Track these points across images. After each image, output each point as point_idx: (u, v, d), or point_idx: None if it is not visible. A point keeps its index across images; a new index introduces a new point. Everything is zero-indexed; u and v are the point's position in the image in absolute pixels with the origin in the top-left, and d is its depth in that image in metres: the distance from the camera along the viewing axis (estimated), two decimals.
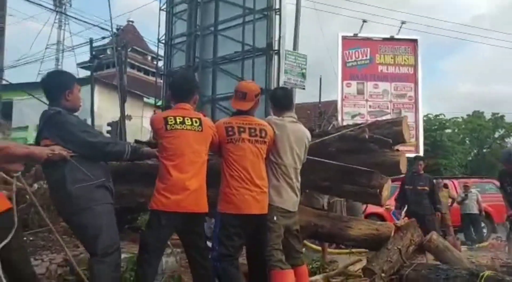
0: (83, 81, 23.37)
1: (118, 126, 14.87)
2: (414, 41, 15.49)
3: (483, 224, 11.78)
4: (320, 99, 19.13)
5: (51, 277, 4.52)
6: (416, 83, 15.63)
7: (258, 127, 3.40)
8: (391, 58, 15.61)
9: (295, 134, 3.60)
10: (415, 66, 15.48)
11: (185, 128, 3.15)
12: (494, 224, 11.91)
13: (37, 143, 3.02)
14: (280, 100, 3.75)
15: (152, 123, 3.25)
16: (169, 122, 3.15)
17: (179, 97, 3.30)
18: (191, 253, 3.27)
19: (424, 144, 16.88)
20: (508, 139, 36.65)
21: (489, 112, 36.63)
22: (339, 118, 14.16)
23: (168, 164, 3.10)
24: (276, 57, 10.55)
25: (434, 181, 11.44)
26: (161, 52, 13.56)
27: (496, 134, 36.52)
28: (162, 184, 3.09)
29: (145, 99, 23.72)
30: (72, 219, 3.00)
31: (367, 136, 5.03)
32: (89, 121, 14.53)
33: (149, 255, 3.08)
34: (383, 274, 4.65)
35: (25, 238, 5.50)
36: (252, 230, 3.34)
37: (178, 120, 3.15)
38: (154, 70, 21.32)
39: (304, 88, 11.21)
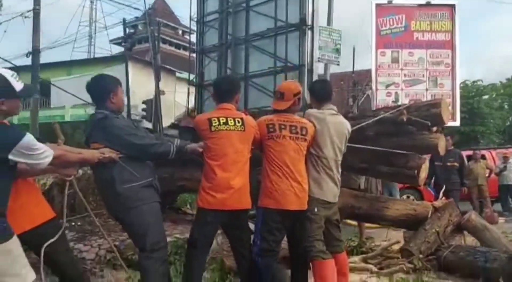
0: (116, 59, 23.72)
1: (152, 104, 15.16)
2: (452, 6, 14.90)
3: None
4: (353, 69, 18.91)
5: (101, 262, 4.75)
6: (453, 50, 15.11)
7: (299, 125, 3.50)
8: (427, 24, 15.12)
9: (335, 127, 3.69)
10: (452, 32, 14.91)
11: (228, 129, 3.29)
12: None
13: (87, 145, 3.22)
14: (320, 93, 3.84)
15: (196, 124, 3.40)
16: (213, 124, 3.29)
17: (222, 98, 3.43)
18: (235, 246, 3.47)
19: (461, 112, 16.54)
20: None
21: None
22: (373, 88, 13.92)
23: (212, 163, 3.26)
24: (309, 32, 10.45)
25: (469, 152, 11.40)
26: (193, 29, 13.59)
27: None
28: (208, 183, 3.25)
29: (177, 74, 23.93)
30: (121, 217, 3.22)
31: (405, 119, 5.08)
32: (125, 100, 14.92)
33: (196, 250, 3.30)
34: (420, 256, 4.78)
35: (73, 223, 5.86)
36: (292, 224, 3.48)
37: (221, 121, 3.29)
38: (186, 44, 21.38)
39: (338, 64, 11.13)
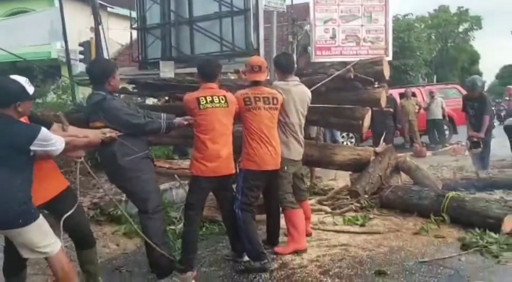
0: None
1: (90, 46, 14.64)
2: None
3: (445, 127, 12.97)
4: (292, 3, 18.93)
5: None
6: None
7: (271, 96, 4.01)
8: None
9: (299, 96, 4.24)
10: None
11: (214, 106, 3.74)
12: (456, 127, 13.13)
13: (87, 123, 3.56)
14: (284, 66, 4.31)
15: (186, 103, 3.81)
16: (201, 102, 3.73)
17: (207, 78, 3.85)
18: (223, 203, 4.06)
19: (393, 46, 17.46)
20: (471, 32, 37.66)
21: (454, 6, 36.96)
22: (312, 24, 14.02)
23: (203, 137, 3.73)
24: None
25: (401, 90, 12.45)
26: None
27: (460, 28, 37.32)
28: (200, 154, 3.75)
29: (109, 9, 22.78)
30: (125, 186, 3.65)
31: (352, 76, 5.70)
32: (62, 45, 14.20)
33: (193, 212, 3.85)
34: (366, 196, 5.61)
35: None
36: (267, 181, 4.10)
37: (208, 100, 3.74)
38: None
39: (284, 11, 11.37)
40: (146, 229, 3.58)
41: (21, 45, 14.28)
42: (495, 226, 4.27)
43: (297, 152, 4.30)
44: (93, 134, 3.37)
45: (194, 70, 5.48)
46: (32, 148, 2.75)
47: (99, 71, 3.58)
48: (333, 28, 13.78)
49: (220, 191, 3.98)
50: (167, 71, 11.34)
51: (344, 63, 6.04)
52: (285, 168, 4.16)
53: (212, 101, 3.75)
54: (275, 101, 4.02)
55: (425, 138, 12.89)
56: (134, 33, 14.82)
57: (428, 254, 3.94)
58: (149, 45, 12.44)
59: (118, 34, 19.21)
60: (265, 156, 3.93)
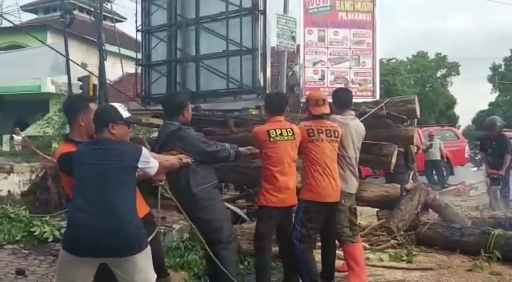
0: (32, 29, 22.03)
1: (88, 81, 14.57)
2: None
3: (443, 168, 13.23)
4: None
5: None
6: (373, 30, 16.05)
7: (332, 129, 4.06)
8: (351, 4, 15.87)
9: (355, 130, 4.31)
10: (373, 13, 15.74)
11: (283, 139, 3.82)
12: (453, 167, 13.42)
13: (160, 152, 3.53)
14: (343, 101, 4.41)
15: (257, 135, 3.87)
16: (271, 135, 3.79)
17: (275, 112, 3.94)
18: (283, 233, 4.01)
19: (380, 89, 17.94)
20: (449, 78, 39.17)
21: (433, 52, 38.46)
22: (302, 65, 14.24)
23: (274, 169, 3.78)
24: (261, 17, 10.84)
25: None
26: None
27: (438, 74, 38.76)
28: (270, 185, 3.78)
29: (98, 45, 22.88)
30: (198, 215, 3.61)
31: (384, 113, 5.81)
32: (65, 79, 14.12)
33: (266, 241, 3.85)
34: (401, 233, 5.62)
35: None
36: (327, 214, 4.07)
37: (277, 133, 3.81)
38: (109, 15, 20.51)
39: (294, 51, 11.67)
40: (222, 260, 3.50)
41: (19, 79, 14.17)
42: None
43: (354, 185, 4.32)
44: (174, 159, 3.39)
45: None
46: (139, 165, 2.73)
47: (175, 103, 3.70)
48: (322, 70, 14.15)
49: (284, 222, 3.96)
50: None
51: (376, 102, 6.19)
52: (343, 201, 4.16)
53: (281, 134, 3.82)
54: (336, 134, 4.07)
55: (422, 179, 13.09)
56: (129, 69, 14.92)
57: None
58: (153, 81, 12.50)
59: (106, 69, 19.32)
60: (327, 188, 3.93)
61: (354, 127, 4.33)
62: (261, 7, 10.97)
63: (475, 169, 15.23)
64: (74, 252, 2.59)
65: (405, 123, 6.19)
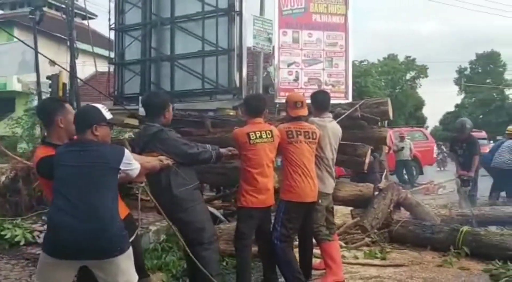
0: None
1: (58, 80, 14.30)
2: None
3: (413, 168, 13.59)
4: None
5: None
6: (346, 32, 16.25)
7: (310, 131, 4.14)
8: (324, 7, 16.02)
9: (333, 132, 4.41)
10: (345, 16, 15.94)
11: (262, 141, 3.87)
12: (422, 167, 13.80)
13: (141, 154, 3.52)
14: (321, 103, 4.48)
15: (237, 138, 3.90)
16: (251, 138, 3.84)
17: (254, 114, 3.99)
18: (262, 233, 4.08)
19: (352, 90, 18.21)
20: (418, 80, 40.12)
21: (403, 55, 39.34)
22: (276, 66, 14.32)
23: (254, 171, 3.84)
24: (238, 18, 10.88)
25: None
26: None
27: (408, 76, 39.65)
28: (250, 187, 3.84)
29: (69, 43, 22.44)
30: (180, 217, 3.61)
31: (359, 115, 5.95)
32: (33, 77, 13.81)
33: (246, 241, 3.91)
34: (375, 231, 5.76)
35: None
36: (306, 213, 4.16)
37: (257, 135, 3.86)
38: (81, 12, 20.13)
39: (270, 52, 11.74)
40: (202, 260, 3.52)
41: None
42: None
43: (331, 185, 4.42)
44: (155, 161, 3.39)
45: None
46: (121, 167, 2.73)
47: (156, 104, 3.65)
48: (297, 71, 14.26)
49: (264, 222, 4.03)
50: None
51: (351, 103, 6.33)
52: (320, 201, 4.25)
53: (261, 136, 3.88)
54: (314, 136, 4.15)
55: (394, 178, 13.41)
56: (100, 67, 14.71)
57: None
58: (127, 80, 12.35)
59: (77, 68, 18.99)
60: (306, 188, 4.01)
61: (332, 129, 4.42)
62: (237, 8, 10.99)
63: (438, 169, 15.71)
64: (55, 255, 2.55)
65: (378, 125, 6.36)
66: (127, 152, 2.82)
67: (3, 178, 6.43)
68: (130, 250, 2.72)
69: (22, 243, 5.01)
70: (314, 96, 4.61)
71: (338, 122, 5.84)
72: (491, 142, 20.51)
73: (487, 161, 8.03)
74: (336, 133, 4.46)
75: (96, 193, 2.61)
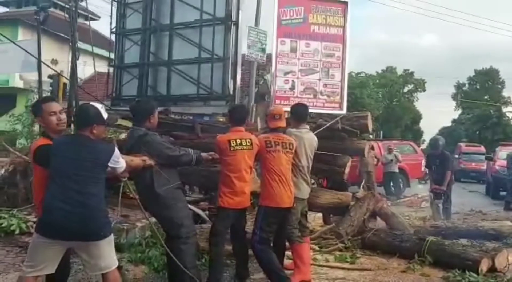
0: (3, 23, 21.71)
1: (58, 80, 14.61)
2: (345, 3, 16.29)
3: (400, 180, 13.93)
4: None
5: None
6: (344, 44, 16.52)
7: (288, 142, 4.50)
8: (323, 18, 16.31)
9: (309, 142, 4.77)
10: (344, 28, 16.23)
11: (242, 148, 4.26)
12: (409, 180, 14.14)
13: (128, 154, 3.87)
14: (300, 115, 4.84)
15: (218, 144, 4.29)
16: (232, 144, 4.22)
17: (237, 122, 4.39)
18: (237, 232, 4.47)
19: (347, 101, 18.56)
20: (415, 94, 40.55)
21: (401, 68, 39.78)
22: (273, 75, 14.62)
23: (232, 175, 4.23)
24: (234, 27, 11.21)
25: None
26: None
27: (405, 89, 40.08)
28: (228, 189, 4.23)
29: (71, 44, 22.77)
30: (162, 213, 3.98)
31: (339, 127, 6.31)
32: (36, 76, 14.17)
33: (219, 237, 4.29)
34: (349, 237, 6.09)
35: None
36: (282, 218, 4.50)
37: (237, 142, 4.25)
38: (84, 13, 20.51)
39: (264, 62, 12.09)
40: (180, 253, 3.86)
41: None
42: (472, 267, 4.85)
43: (306, 191, 4.78)
44: (138, 160, 3.74)
45: None
46: (109, 164, 3.10)
47: (143, 110, 4.03)
48: (293, 80, 14.55)
49: (239, 221, 4.40)
50: None
51: (331, 115, 6.70)
52: (294, 205, 4.58)
53: (241, 143, 4.25)
54: (291, 147, 4.52)
55: (380, 190, 13.73)
56: (100, 68, 15.02)
57: None
58: (125, 83, 12.68)
59: (78, 67, 19.32)
60: (283, 195, 4.38)
61: (308, 140, 4.78)
62: (234, 18, 11.31)
63: (425, 182, 15.96)
64: (48, 235, 2.95)
65: (370, 135, 6.72)
66: (116, 150, 3.21)
67: (2, 171, 6.80)
68: (112, 236, 3.09)
69: (16, 232, 5.38)
70: (294, 108, 4.96)
71: (318, 133, 6.26)
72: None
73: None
74: (312, 144, 4.81)
75: (87, 184, 3.01)
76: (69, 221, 2.91)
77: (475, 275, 4.71)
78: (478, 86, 48.54)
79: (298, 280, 4.49)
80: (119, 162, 3.24)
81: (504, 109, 40.77)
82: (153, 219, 5.03)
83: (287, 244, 4.79)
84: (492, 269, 4.91)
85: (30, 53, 10.98)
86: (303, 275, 4.52)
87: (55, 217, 2.94)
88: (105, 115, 3.26)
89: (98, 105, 3.30)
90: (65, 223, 2.91)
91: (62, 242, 3.00)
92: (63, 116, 3.42)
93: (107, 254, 3.07)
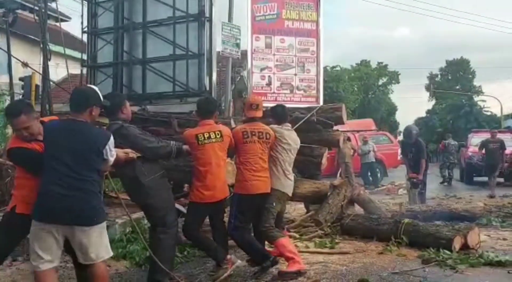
0: None
1: (30, 81, 14.39)
2: None
3: (377, 170, 14.17)
4: None
5: None
6: (318, 39, 16.68)
7: (264, 131, 4.56)
8: (296, 13, 16.43)
9: (290, 138, 4.81)
10: (317, 22, 16.39)
11: (211, 141, 4.27)
12: (386, 169, 14.39)
13: None
14: (279, 115, 4.91)
15: (186, 139, 4.31)
16: (199, 138, 4.24)
17: (205, 116, 4.40)
18: (215, 223, 4.54)
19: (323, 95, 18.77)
20: (390, 86, 41.13)
21: (375, 61, 40.28)
22: (250, 71, 14.72)
23: (202, 169, 4.25)
24: (208, 24, 11.22)
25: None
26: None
27: (380, 82, 40.62)
28: (200, 183, 4.26)
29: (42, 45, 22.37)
30: (148, 203, 4.00)
31: (315, 119, 6.43)
32: (6, 79, 13.96)
33: (191, 231, 4.38)
34: (328, 224, 6.21)
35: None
36: (258, 205, 4.55)
37: (205, 136, 4.25)
38: (54, 14, 20.18)
39: (239, 58, 12.12)
40: (158, 243, 3.92)
41: None
42: (446, 245, 5.02)
43: (289, 187, 4.81)
44: (121, 153, 3.73)
45: None
46: (103, 151, 3.07)
47: (112, 103, 3.96)
48: (269, 76, 14.64)
49: (215, 213, 4.47)
50: None
51: (308, 108, 6.81)
52: (273, 203, 4.62)
53: (209, 137, 4.27)
54: (267, 136, 4.58)
55: (359, 180, 13.96)
56: (73, 69, 14.83)
57: (397, 268, 4.58)
58: (99, 83, 12.56)
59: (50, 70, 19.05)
60: (258, 182, 4.44)
61: (288, 136, 4.81)
62: (207, 14, 11.31)
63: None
64: (43, 219, 2.95)
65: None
66: (112, 138, 3.16)
67: None
68: (104, 223, 3.10)
69: None
70: (273, 109, 5.03)
71: (295, 124, 6.35)
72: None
73: None
74: (294, 140, 4.85)
75: (82, 170, 3.00)
76: (63, 204, 2.92)
77: (448, 252, 4.87)
78: (450, 77, 49.52)
79: (296, 269, 4.41)
80: (113, 151, 3.21)
81: (476, 98, 41.57)
82: (134, 216, 5.12)
83: None
84: (465, 247, 5.08)
85: (4, 50, 10.76)
86: (298, 264, 4.47)
87: (50, 200, 2.95)
88: (101, 96, 3.27)
89: (95, 87, 3.30)
90: (60, 206, 2.92)
91: (57, 228, 2.97)
92: (35, 126, 3.29)
93: (99, 242, 3.06)
